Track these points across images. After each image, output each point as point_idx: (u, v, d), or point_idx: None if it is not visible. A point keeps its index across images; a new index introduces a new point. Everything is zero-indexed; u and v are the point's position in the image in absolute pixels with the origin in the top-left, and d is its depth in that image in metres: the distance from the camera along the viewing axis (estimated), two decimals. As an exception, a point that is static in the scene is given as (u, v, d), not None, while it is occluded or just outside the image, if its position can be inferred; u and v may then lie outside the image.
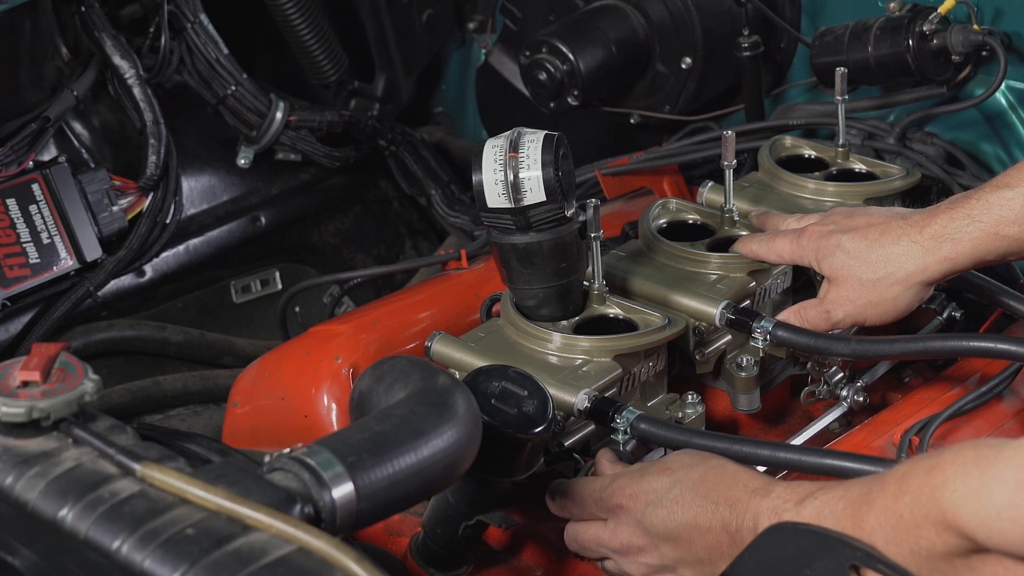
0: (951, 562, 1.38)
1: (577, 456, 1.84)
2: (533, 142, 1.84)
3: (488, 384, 1.72)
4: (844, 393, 2.01)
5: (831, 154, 2.29)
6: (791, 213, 2.17)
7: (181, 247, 2.71)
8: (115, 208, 2.51)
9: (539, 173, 1.83)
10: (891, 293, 1.90)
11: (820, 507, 1.50)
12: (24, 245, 2.43)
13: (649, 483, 1.68)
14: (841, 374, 2.02)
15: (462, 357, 1.91)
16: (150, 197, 2.57)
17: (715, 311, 1.97)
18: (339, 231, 2.96)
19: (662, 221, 2.16)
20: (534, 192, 1.84)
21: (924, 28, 2.34)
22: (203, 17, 2.62)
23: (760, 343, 1.96)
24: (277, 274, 2.87)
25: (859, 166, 2.28)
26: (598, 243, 1.92)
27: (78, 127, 2.63)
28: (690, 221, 2.17)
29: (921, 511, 1.38)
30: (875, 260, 1.90)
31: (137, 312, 2.67)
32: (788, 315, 1.98)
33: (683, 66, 2.63)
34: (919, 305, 1.93)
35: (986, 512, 1.33)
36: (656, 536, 1.65)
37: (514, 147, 1.84)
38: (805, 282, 2.17)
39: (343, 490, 1.38)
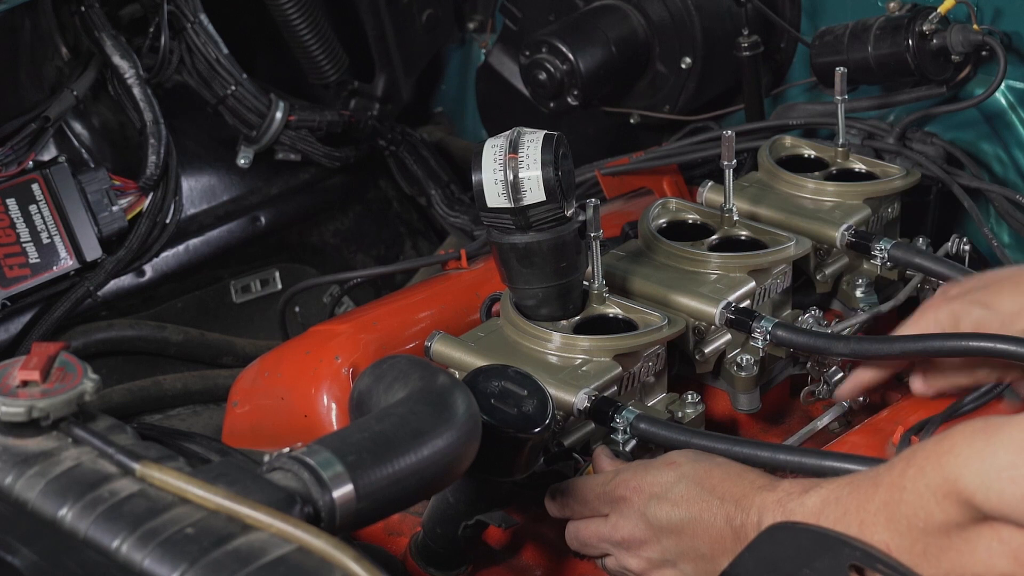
0: (948, 536, 1.37)
1: (577, 456, 1.84)
2: (533, 142, 1.84)
3: (488, 384, 1.72)
4: (844, 393, 2.01)
5: (831, 154, 2.29)
6: (791, 212, 2.17)
7: (181, 247, 2.71)
8: (115, 208, 2.51)
9: (539, 173, 1.83)
10: None
11: (826, 495, 1.50)
12: (24, 245, 2.43)
13: (654, 476, 1.68)
14: (841, 374, 2.02)
15: (462, 357, 1.91)
16: (150, 197, 2.57)
17: (715, 311, 1.97)
18: (339, 231, 2.96)
19: (662, 221, 2.16)
20: (534, 192, 1.84)
21: (924, 28, 2.34)
22: (203, 17, 2.63)
23: (760, 343, 1.96)
24: (277, 274, 2.87)
25: (859, 166, 2.28)
26: (598, 243, 1.92)
27: (78, 127, 2.63)
28: (690, 221, 2.17)
29: (924, 480, 1.38)
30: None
31: (137, 312, 2.67)
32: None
33: (683, 66, 2.63)
34: None
35: (987, 471, 1.32)
36: (659, 529, 1.65)
37: (514, 147, 1.84)
38: (805, 281, 2.17)
39: (343, 490, 1.38)
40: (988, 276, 1.93)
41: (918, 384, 1.93)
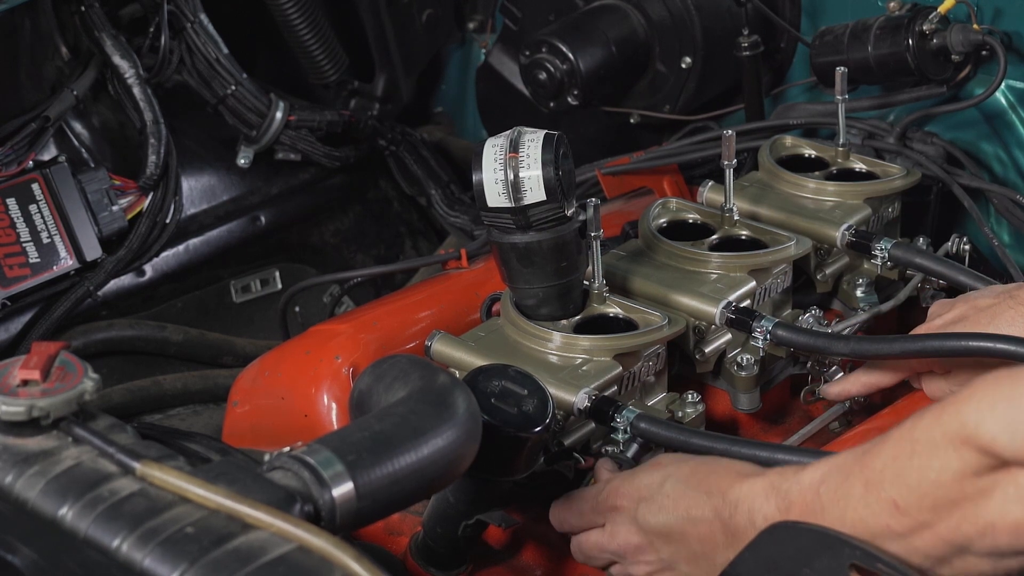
0: (960, 486, 1.34)
1: (577, 455, 1.84)
2: (533, 141, 1.84)
3: (488, 383, 1.72)
4: (844, 392, 2.01)
5: (831, 154, 2.29)
6: (791, 212, 2.17)
7: (181, 247, 2.71)
8: (115, 208, 2.51)
9: (539, 172, 1.83)
10: None
11: (826, 467, 1.47)
12: (24, 245, 2.43)
13: (641, 480, 1.68)
14: (841, 373, 2.02)
15: (462, 356, 1.91)
16: (150, 197, 2.57)
17: (715, 310, 1.97)
18: (339, 231, 2.96)
19: (662, 220, 2.16)
20: (534, 191, 1.84)
21: (924, 28, 2.34)
22: (203, 17, 2.63)
23: (760, 342, 1.96)
24: (277, 274, 2.87)
25: (859, 166, 2.28)
26: (598, 242, 1.92)
27: (78, 127, 2.63)
28: (690, 221, 2.17)
29: (940, 430, 1.34)
30: None
31: (137, 312, 2.67)
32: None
33: (683, 66, 2.63)
34: None
35: (1013, 414, 1.29)
36: (651, 533, 1.65)
37: (514, 146, 1.84)
38: (805, 281, 2.17)
39: (343, 489, 1.38)
40: (966, 307, 1.93)
41: (937, 387, 1.93)
